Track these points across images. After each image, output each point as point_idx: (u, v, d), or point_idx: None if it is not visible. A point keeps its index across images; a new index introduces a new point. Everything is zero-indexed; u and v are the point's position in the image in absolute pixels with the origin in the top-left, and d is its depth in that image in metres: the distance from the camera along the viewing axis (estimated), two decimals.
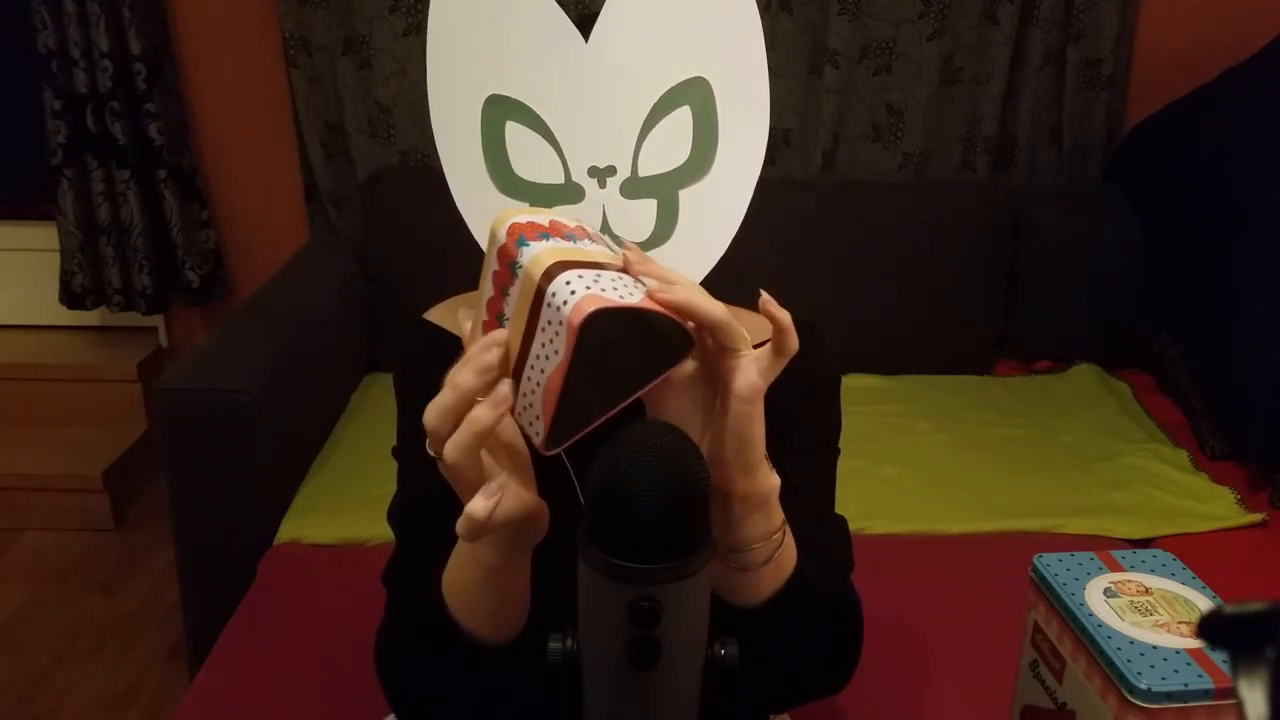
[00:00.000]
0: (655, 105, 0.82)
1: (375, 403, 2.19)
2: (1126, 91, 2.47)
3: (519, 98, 0.82)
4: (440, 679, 0.85)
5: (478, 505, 0.66)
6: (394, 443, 1.00)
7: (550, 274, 0.65)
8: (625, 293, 0.65)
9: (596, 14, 0.82)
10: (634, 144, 0.82)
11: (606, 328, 0.64)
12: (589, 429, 0.67)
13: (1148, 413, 2.16)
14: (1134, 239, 2.28)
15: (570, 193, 0.83)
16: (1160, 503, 1.85)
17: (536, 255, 0.66)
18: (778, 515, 0.76)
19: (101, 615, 2.26)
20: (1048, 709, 0.93)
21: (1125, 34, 2.38)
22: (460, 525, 0.68)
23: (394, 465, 0.99)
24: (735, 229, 0.84)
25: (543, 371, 0.65)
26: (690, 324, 0.68)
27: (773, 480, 0.75)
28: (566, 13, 0.83)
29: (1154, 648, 0.84)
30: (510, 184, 0.83)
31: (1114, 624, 0.87)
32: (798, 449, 0.94)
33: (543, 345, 0.65)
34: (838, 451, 1.00)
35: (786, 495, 0.78)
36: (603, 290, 0.64)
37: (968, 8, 2.32)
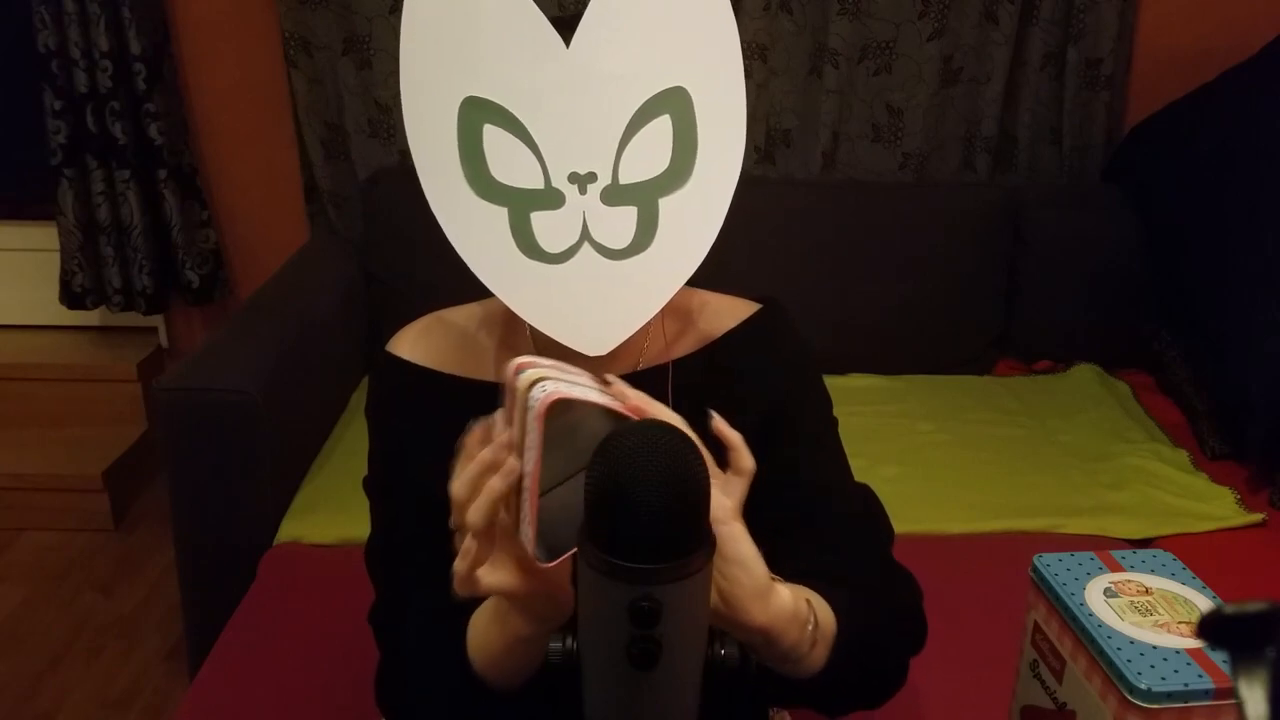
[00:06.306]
0: (636, 113, 0.82)
1: None
2: (1126, 91, 2.47)
3: (498, 101, 0.81)
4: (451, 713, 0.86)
5: (456, 563, 0.71)
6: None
7: (534, 383, 0.69)
8: (595, 396, 0.69)
9: (574, 16, 0.82)
10: (615, 151, 0.82)
11: (583, 425, 0.67)
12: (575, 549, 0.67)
13: (1148, 413, 2.16)
14: (1134, 239, 2.28)
15: (550, 198, 0.82)
16: (1160, 503, 1.85)
17: (530, 375, 0.70)
18: (802, 610, 0.76)
19: (101, 615, 2.26)
20: (1048, 709, 0.93)
21: (1125, 34, 2.38)
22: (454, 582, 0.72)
23: None
24: (714, 237, 0.84)
25: (527, 475, 0.69)
26: None
27: (786, 597, 0.74)
28: (544, 13, 0.82)
29: (1154, 648, 0.84)
30: (488, 188, 0.82)
31: (1114, 624, 0.87)
32: (807, 436, 0.94)
33: (527, 450, 0.69)
34: (837, 420, 1.00)
35: (816, 491, 0.76)
36: (571, 388, 0.68)
37: (968, 8, 2.32)
